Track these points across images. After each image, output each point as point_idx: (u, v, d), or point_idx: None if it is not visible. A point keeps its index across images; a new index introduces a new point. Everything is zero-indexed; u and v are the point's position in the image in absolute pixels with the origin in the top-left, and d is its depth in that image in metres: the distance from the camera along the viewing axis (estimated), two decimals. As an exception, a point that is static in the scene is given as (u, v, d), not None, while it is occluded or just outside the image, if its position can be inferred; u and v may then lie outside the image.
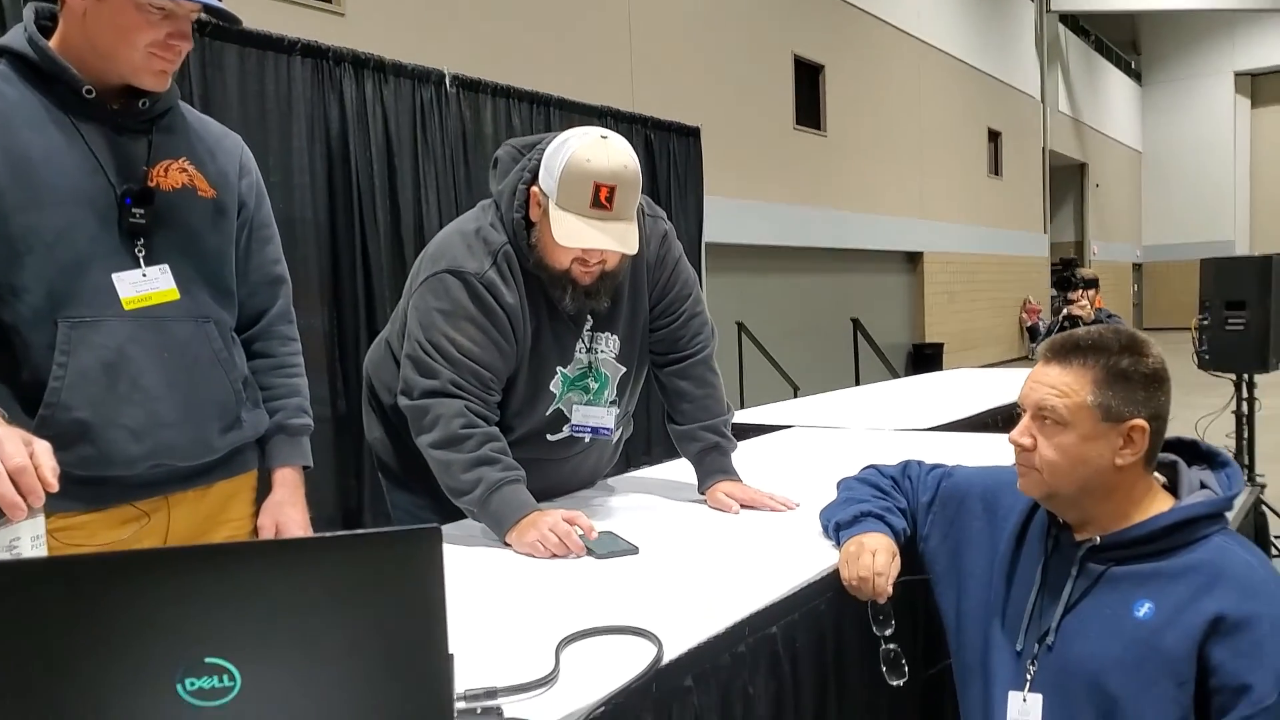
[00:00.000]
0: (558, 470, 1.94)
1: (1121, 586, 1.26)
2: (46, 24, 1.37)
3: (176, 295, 1.42)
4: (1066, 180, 19.49)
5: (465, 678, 0.89)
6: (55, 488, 1.06)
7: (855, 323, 10.34)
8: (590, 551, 1.57)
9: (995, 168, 15.70)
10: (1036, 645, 1.30)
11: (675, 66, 8.44)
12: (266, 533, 1.52)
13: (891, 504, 1.54)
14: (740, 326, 8.68)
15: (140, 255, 1.40)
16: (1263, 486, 3.74)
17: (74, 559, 0.79)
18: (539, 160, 1.72)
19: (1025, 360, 14.77)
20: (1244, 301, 4.04)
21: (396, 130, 4.66)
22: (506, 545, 1.64)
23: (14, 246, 1.29)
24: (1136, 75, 22.79)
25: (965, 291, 14.27)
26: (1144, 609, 1.22)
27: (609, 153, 1.65)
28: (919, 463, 1.62)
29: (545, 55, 6.96)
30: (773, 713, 1.28)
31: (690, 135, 6.68)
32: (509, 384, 1.80)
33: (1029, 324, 15.70)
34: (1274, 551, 3.72)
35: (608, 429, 1.92)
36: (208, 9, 1.34)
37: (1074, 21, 18.86)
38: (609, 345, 1.89)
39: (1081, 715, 1.24)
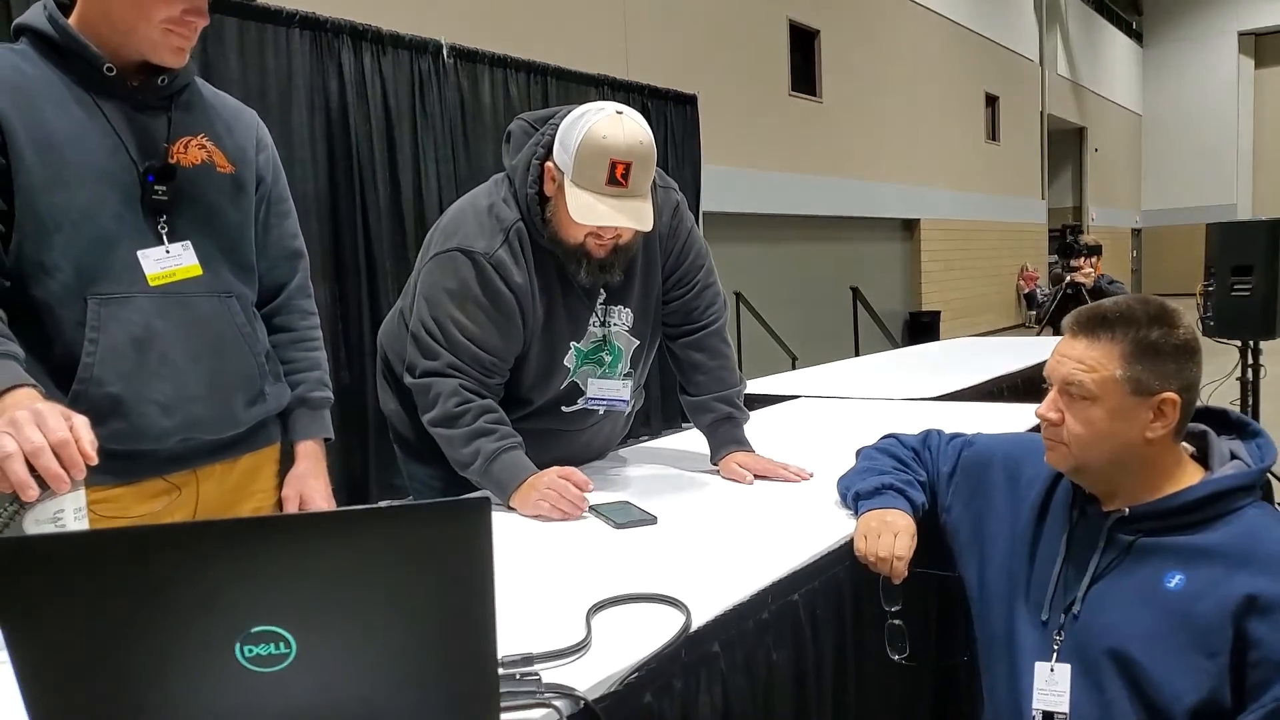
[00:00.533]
0: (573, 442, 1.97)
1: (1151, 558, 1.25)
2: (65, 2, 1.37)
3: (199, 271, 1.44)
4: (1065, 145, 19.39)
5: (500, 645, 0.92)
6: (95, 460, 1.08)
7: (855, 291, 10.34)
8: (608, 521, 1.60)
9: (993, 133, 15.61)
10: (1063, 616, 1.29)
11: (670, 33, 8.37)
12: (291, 504, 1.55)
13: (912, 476, 1.54)
14: (738, 296, 8.68)
15: (163, 232, 1.41)
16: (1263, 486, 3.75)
17: (140, 530, 0.81)
18: (553, 135, 1.72)
19: (1022, 328, 14.81)
20: (1251, 266, 4.02)
21: (395, 102, 4.65)
22: (513, 510, 1.68)
23: (43, 224, 1.30)
24: (1138, 36, 22.56)
25: (962, 259, 14.26)
26: (1175, 580, 1.21)
27: (625, 129, 1.65)
28: (939, 432, 1.63)
29: (541, 24, 6.89)
30: (795, 677, 1.31)
31: (687, 103, 6.65)
32: (522, 358, 1.82)
33: (1026, 291, 15.71)
34: None
35: (623, 401, 1.94)
36: None
37: (1074, -19, 18.68)
38: (622, 318, 1.91)
39: (1110, 685, 1.23)
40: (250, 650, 0.76)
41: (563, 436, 1.92)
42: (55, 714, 0.74)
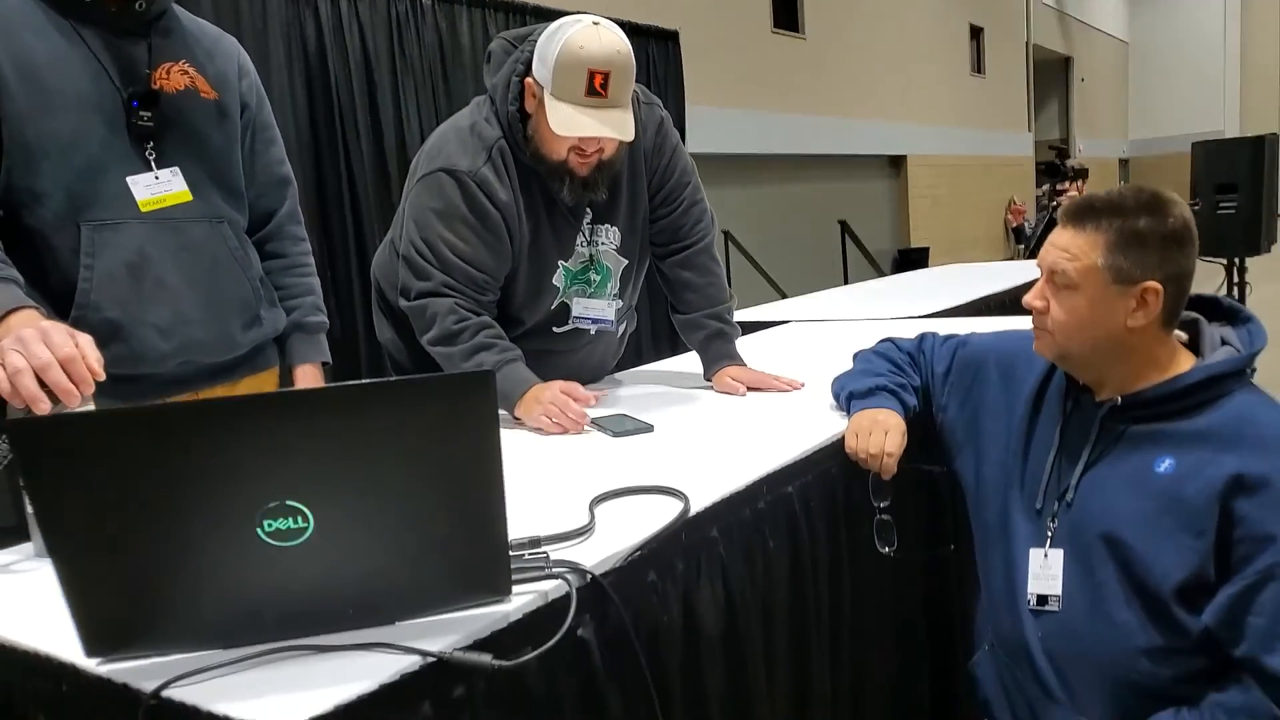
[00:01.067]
0: (565, 362, 1.99)
1: (1142, 444, 1.27)
2: None
3: (189, 197, 1.45)
4: (1051, 76, 19.20)
5: (508, 531, 0.95)
6: (102, 376, 1.10)
7: (843, 225, 10.32)
8: (606, 430, 1.64)
9: (978, 65, 15.45)
10: (1056, 503, 1.32)
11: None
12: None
13: (906, 380, 1.57)
14: (726, 235, 8.66)
15: (151, 158, 1.42)
16: (1253, 371, 3.81)
17: (159, 408, 0.83)
18: (532, 51, 1.72)
19: (1011, 262, 14.81)
20: (1235, 184, 4.05)
21: (374, 46, 4.60)
22: (518, 421, 1.71)
23: (31, 152, 1.31)
24: (1125, -40, 22.27)
25: (949, 194, 14.21)
26: (1165, 464, 1.23)
27: (602, 39, 1.65)
28: (934, 334, 1.65)
29: (518, -37, 6.77)
30: (790, 565, 1.36)
31: (669, 39, 6.57)
32: (511, 279, 1.84)
33: (1014, 225, 15.68)
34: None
35: (609, 320, 1.96)
36: None
37: (1058, -94, 18.36)
38: (610, 237, 1.92)
39: (1100, 568, 1.27)
40: (270, 524, 0.79)
41: (555, 357, 1.95)
42: (88, 588, 0.77)
